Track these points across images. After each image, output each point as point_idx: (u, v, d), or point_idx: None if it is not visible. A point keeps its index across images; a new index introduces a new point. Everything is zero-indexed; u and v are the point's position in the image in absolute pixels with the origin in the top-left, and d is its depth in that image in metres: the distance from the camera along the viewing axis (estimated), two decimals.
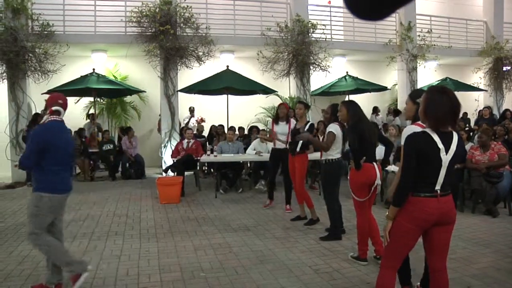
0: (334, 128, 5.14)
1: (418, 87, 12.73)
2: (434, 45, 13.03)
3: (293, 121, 6.78)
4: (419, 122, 3.22)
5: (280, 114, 6.88)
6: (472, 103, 14.86)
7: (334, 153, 5.19)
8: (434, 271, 2.91)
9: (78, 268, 3.68)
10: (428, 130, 2.72)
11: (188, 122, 11.98)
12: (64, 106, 3.83)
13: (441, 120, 2.70)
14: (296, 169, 6.14)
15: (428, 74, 14.73)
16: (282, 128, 6.82)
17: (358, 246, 4.49)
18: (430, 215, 2.70)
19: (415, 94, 3.46)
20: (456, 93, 10.86)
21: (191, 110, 12.31)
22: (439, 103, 2.68)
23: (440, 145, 2.69)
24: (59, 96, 3.90)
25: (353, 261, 4.47)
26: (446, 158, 2.70)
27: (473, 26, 14.92)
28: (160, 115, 11.52)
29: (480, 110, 13.69)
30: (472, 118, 14.01)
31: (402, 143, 3.11)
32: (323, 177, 5.44)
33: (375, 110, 13.48)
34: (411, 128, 3.23)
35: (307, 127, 6.06)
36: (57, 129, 3.72)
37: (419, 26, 13.19)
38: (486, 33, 14.74)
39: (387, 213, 2.86)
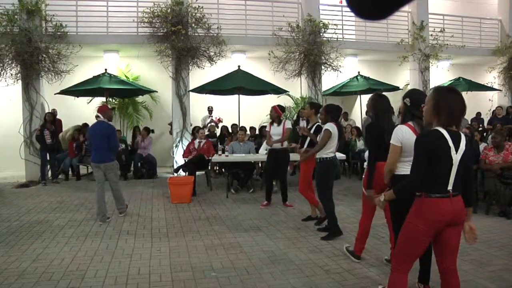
0: (331, 126, 5.26)
1: (431, 87, 12.59)
2: (447, 44, 12.87)
3: (288, 123, 7.20)
4: (409, 123, 3.28)
5: (270, 117, 7.25)
6: (486, 103, 14.66)
7: (328, 152, 5.28)
8: (445, 273, 2.88)
9: (98, 213, 6.27)
10: (439, 128, 2.71)
11: (210, 122, 11.96)
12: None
13: (453, 118, 2.71)
14: (301, 168, 6.25)
15: (441, 74, 14.57)
16: (276, 130, 7.10)
17: (355, 243, 4.51)
18: (444, 215, 2.68)
19: (405, 94, 3.59)
20: (469, 93, 10.74)
21: (210, 110, 12.30)
22: (451, 101, 2.69)
23: (451, 144, 2.68)
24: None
25: (346, 254, 4.54)
26: (456, 157, 2.69)
27: (487, 24, 14.71)
28: (171, 121, 11.55)
29: (493, 110, 13.52)
30: (486, 118, 13.82)
31: (392, 142, 3.33)
32: (317, 176, 5.48)
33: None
34: (400, 128, 3.35)
35: (313, 128, 6.05)
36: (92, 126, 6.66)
37: (431, 25, 13.05)
38: (501, 31, 14.51)
39: (382, 194, 2.97)
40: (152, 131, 11.26)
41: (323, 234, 5.49)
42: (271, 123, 7.24)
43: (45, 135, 9.69)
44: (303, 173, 6.16)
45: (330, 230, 5.37)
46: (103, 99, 11.62)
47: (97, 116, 6.52)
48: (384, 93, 13.25)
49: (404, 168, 3.31)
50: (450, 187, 2.70)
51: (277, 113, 7.16)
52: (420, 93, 3.73)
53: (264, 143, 9.18)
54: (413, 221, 2.74)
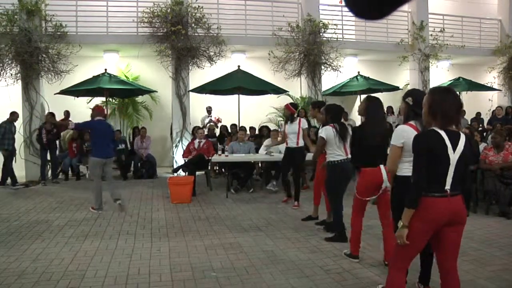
0: (324, 132, 5.10)
1: (431, 87, 12.59)
2: (447, 44, 12.88)
3: (303, 121, 6.95)
4: (411, 123, 3.25)
5: (284, 115, 7.24)
6: (485, 103, 14.67)
7: (334, 155, 5.09)
8: (444, 271, 2.88)
9: (96, 204, 6.89)
10: (436, 128, 2.71)
11: (209, 122, 11.94)
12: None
13: (449, 118, 2.70)
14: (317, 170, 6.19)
15: (441, 74, 14.57)
16: (291, 128, 7.01)
17: (350, 243, 4.53)
18: (441, 215, 2.68)
19: (406, 93, 3.54)
20: (469, 93, 10.69)
21: (208, 110, 12.29)
22: (446, 102, 2.69)
23: (448, 143, 2.67)
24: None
25: (345, 258, 4.54)
26: (454, 156, 2.68)
27: (487, 24, 14.72)
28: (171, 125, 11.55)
29: (493, 110, 13.53)
30: (486, 118, 13.82)
31: (393, 142, 3.27)
32: (326, 179, 5.35)
33: (389, 110, 13.34)
34: (401, 128, 3.29)
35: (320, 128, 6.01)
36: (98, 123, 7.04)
37: (431, 25, 13.06)
38: (501, 31, 14.52)
39: (400, 222, 2.77)
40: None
41: (323, 231, 5.50)
42: (286, 122, 7.23)
43: (42, 133, 9.73)
44: (317, 172, 6.18)
45: (336, 234, 5.25)
46: (103, 99, 11.62)
47: (95, 116, 7.16)
48: (384, 93, 13.29)
49: (406, 169, 3.25)
50: (448, 187, 2.69)
51: (290, 110, 7.07)
52: (421, 92, 3.73)
53: (265, 142, 9.19)
54: (411, 220, 2.73)
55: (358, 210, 4.42)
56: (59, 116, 11.20)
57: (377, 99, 4.47)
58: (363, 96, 12.21)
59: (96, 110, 7.33)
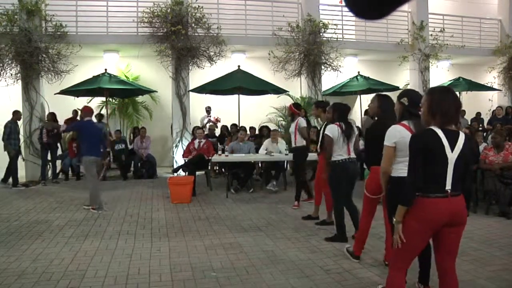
0: (330, 130, 5.05)
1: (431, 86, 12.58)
2: (447, 44, 12.88)
3: (300, 120, 7.02)
4: (404, 123, 3.26)
5: (287, 115, 7.16)
6: (486, 103, 14.67)
7: (336, 155, 5.01)
8: (443, 272, 2.88)
9: (96, 204, 6.96)
10: (433, 128, 2.70)
11: (208, 122, 11.93)
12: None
13: (448, 118, 2.70)
14: (318, 167, 6.17)
15: (441, 74, 14.57)
16: (291, 128, 7.09)
17: (354, 243, 4.52)
18: (441, 215, 2.67)
19: (401, 94, 3.55)
20: (469, 93, 10.71)
21: (208, 110, 12.28)
22: (446, 101, 2.69)
23: (445, 142, 2.66)
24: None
25: (346, 255, 4.53)
26: (452, 155, 2.67)
27: (487, 24, 14.72)
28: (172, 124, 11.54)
29: (493, 110, 13.53)
30: (486, 118, 13.83)
31: (385, 142, 3.29)
32: (328, 179, 5.29)
33: None
34: (394, 128, 3.31)
35: (323, 128, 6.00)
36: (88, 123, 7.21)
37: (431, 25, 13.06)
38: (501, 31, 14.52)
39: (394, 218, 2.78)
40: None
41: (323, 229, 5.49)
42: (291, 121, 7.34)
43: (43, 134, 9.76)
44: (319, 168, 6.16)
45: (337, 234, 5.21)
46: (103, 99, 11.63)
47: (85, 116, 7.32)
48: (384, 93, 13.24)
49: (401, 170, 3.25)
50: (448, 187, 2.67)
51: (291, 110, 7.17)
52: (416, 92, 3.73)
53: (265, 142, 9.19)
54: (410, 221, 2.71)
55: (368, 210, 4.38)
56: (61, 116, 11.22)
57: (388, 97, 4.41)
58: (363, 96, 12.29)
59: (85, 110, 7.40)
